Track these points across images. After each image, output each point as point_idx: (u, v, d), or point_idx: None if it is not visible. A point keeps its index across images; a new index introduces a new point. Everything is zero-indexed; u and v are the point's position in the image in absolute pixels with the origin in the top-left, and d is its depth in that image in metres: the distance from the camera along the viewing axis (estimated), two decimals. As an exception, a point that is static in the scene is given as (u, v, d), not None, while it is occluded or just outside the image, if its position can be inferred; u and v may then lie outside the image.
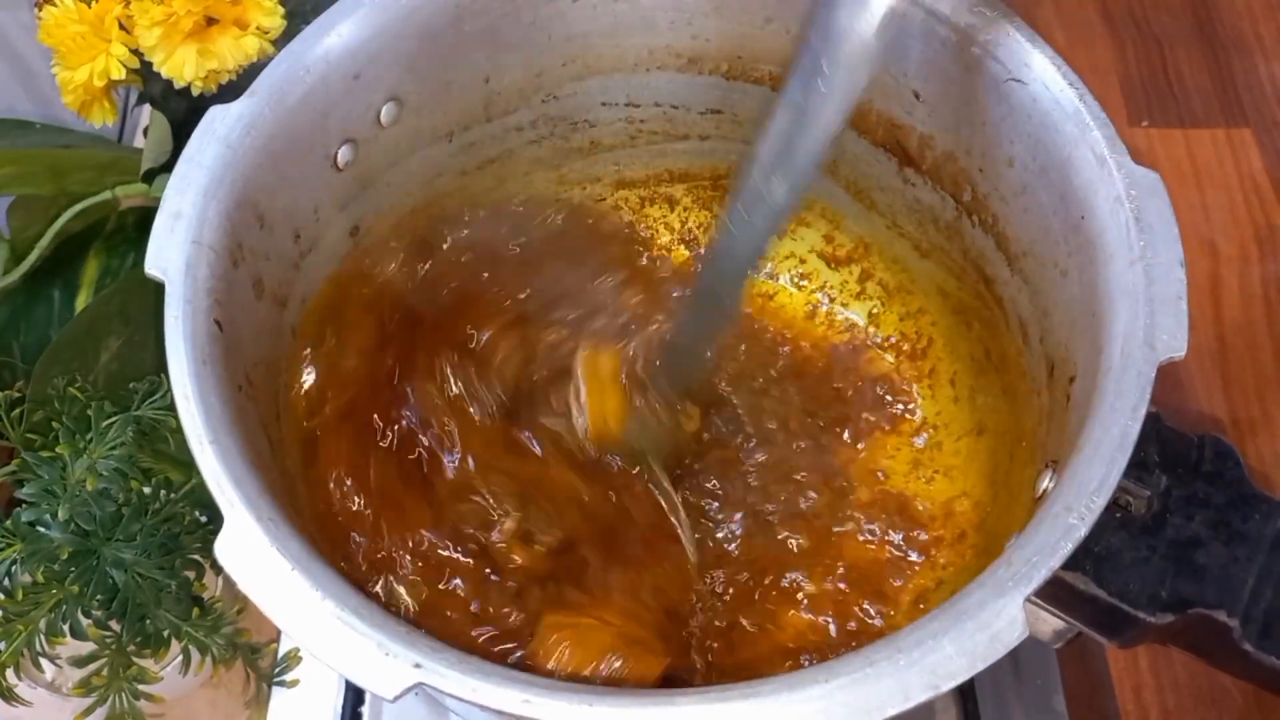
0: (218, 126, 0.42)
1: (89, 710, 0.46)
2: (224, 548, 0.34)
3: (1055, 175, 0.43)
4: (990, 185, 0.48)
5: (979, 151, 0.48)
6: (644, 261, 0.60)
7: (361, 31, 0.46)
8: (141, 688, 0.47)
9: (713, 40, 0.53)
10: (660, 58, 0.54)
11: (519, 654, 0.44)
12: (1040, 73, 0.43)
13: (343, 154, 0.48)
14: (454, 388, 0.50)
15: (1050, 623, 0.37)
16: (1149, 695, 0.57)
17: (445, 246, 0.54)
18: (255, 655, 0.50)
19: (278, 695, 0.56)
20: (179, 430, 0.37)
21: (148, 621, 0.47)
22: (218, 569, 0.52)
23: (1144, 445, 0.36)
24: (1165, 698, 0.57)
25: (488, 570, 0.47)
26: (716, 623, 0.50)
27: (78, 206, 0.58)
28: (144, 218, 0.61)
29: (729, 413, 0.55)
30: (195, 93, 0.52)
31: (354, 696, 0.56)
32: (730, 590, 0.51)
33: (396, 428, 0.49)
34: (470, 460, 0.49)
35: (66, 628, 0.46)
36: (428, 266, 0.53)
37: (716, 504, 0.53)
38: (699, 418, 0.53)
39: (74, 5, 0.51)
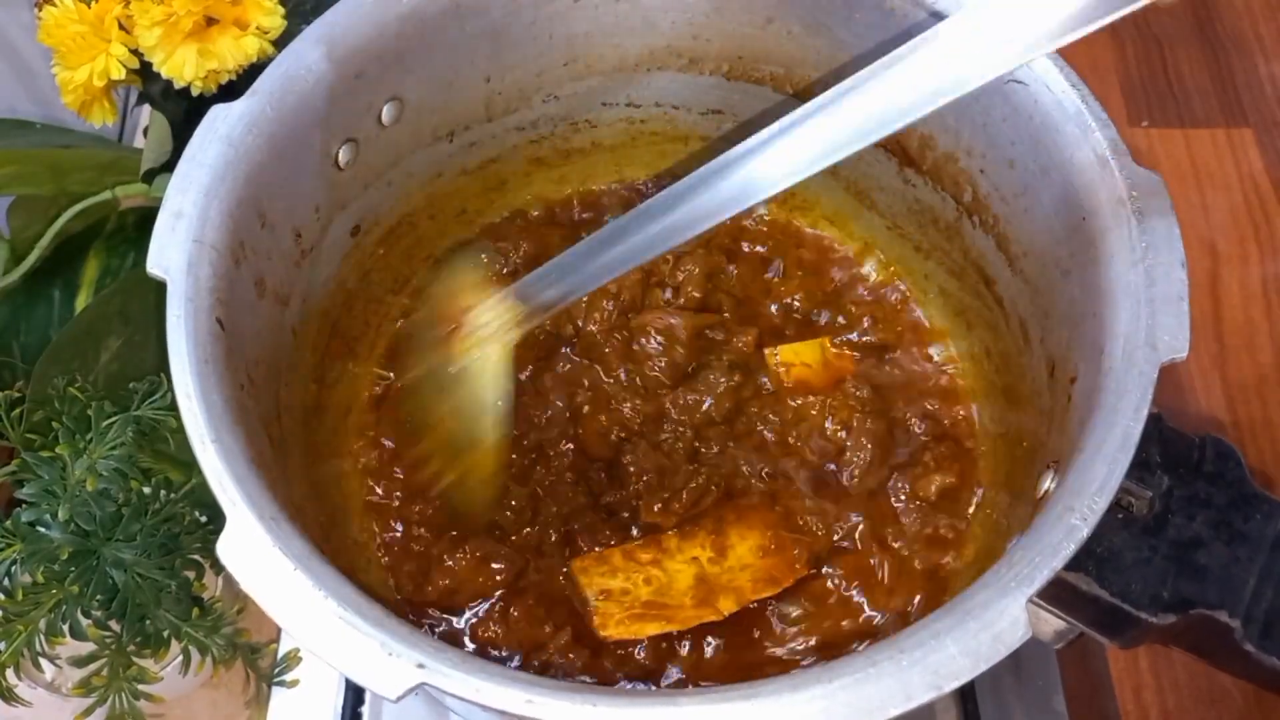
0: (220, 125, 0.42)
1: (89, 710, 0.46)
2: (226, 547, 0.34)
3: (1056, 176, 0.43)
4: (991, 186, 0.48)
5: (980, 152, 0.48)
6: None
7: (363, 31, 0.46)
8: (141, 688, 0.47)
9: (714, 41, 0.53)
10: (661, 58, 0.54)
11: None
12: (1042, 74, 0.43)
13: (344, 153, 0.48)
14: None
15: (1052, 623, 0.37)
16: (1149, 696, 0.57)
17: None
18: (255, 655, 0.50)
19: (278, 695, 0.56)
20: (179, 430, 0.37)
21: (148, 622, 0.47)
22: (218, 569, 0.52)
23: (1145, 446, 0.36)
24: (1165, 698, 0.57)
25: None
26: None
27: (78, 206, 0.58)
28: (144, 218, 0.61)
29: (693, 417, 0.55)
30: (195, 93, 0.52)
31: (354, 696, 0.56)
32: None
33: None
34: None
35: (66, 628, 0.46)
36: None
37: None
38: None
39: (74, 5, 0.51)
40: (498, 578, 0.49)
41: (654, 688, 0.47)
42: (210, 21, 0.51)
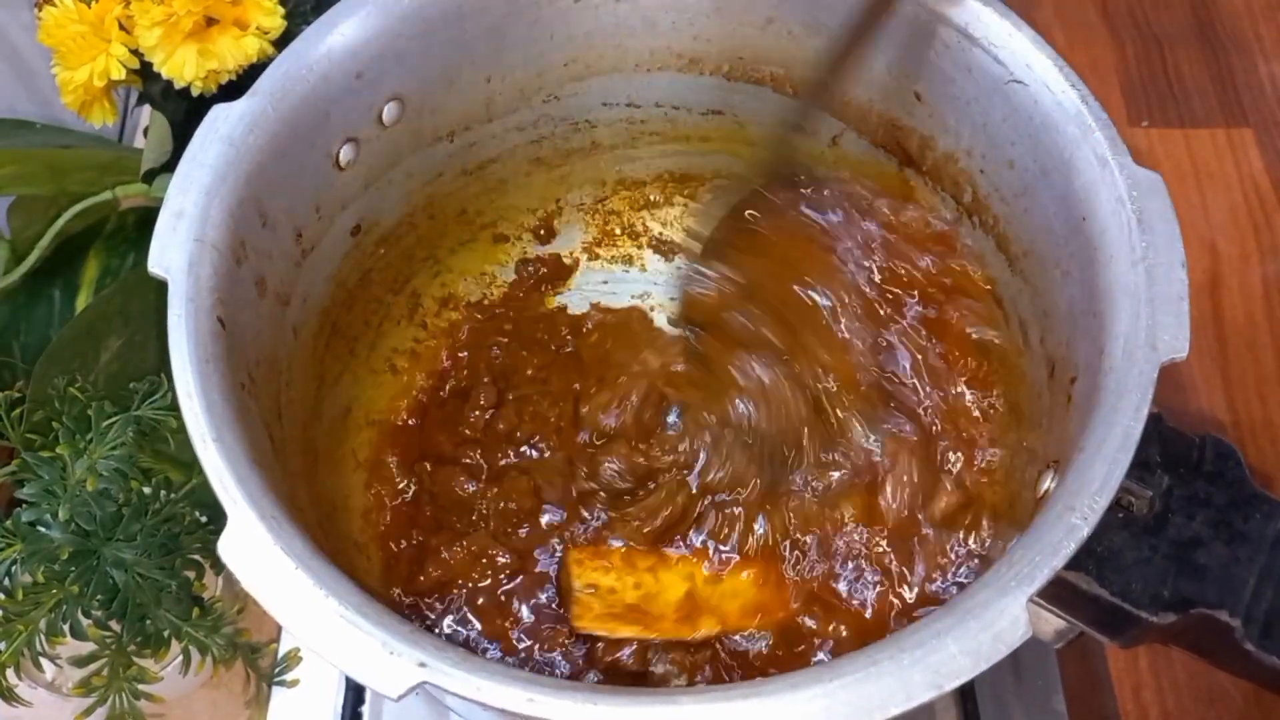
0: (220, 125, 0.42)
1: (89, 710, 0.46)
2: (227, 546, 0.34)
3: (1056, 176, 0.43)
4: (991, 186, 0.48)
5: (980, 153, 0.48)
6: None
7: (363, 31, 0.46)
8: (142, 688, 0.47)
9: (714, 41, 0.53)
10: (661, 58, 0.54)
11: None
12: (1042, 74, 0.43)
13: (345, 153, 0.48)
14: None
15: (1052, 622, 0.37)
16: (1149, 695, 0.57)
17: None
18: (255, 655, 0.50)
19: (278, 695, 0.56)
20: (179, 430, 0.37)
21: (148, 621, 0.47)
22: (218, 569, 0.52)
23: (1145, 445, 0.36)
24: (1165, 698, 0.57)
25: None
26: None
27: (78, 206, 0.58)
28: (144, 218, 0.61)
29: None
30: (195, 93, 0.52)
31: (354, 696, 0.56)
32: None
33: None
34: None
35: (67, 628, 0.46)
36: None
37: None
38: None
39: (74, 5, 0.51)
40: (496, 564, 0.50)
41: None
42: (210, 22, 0.51)
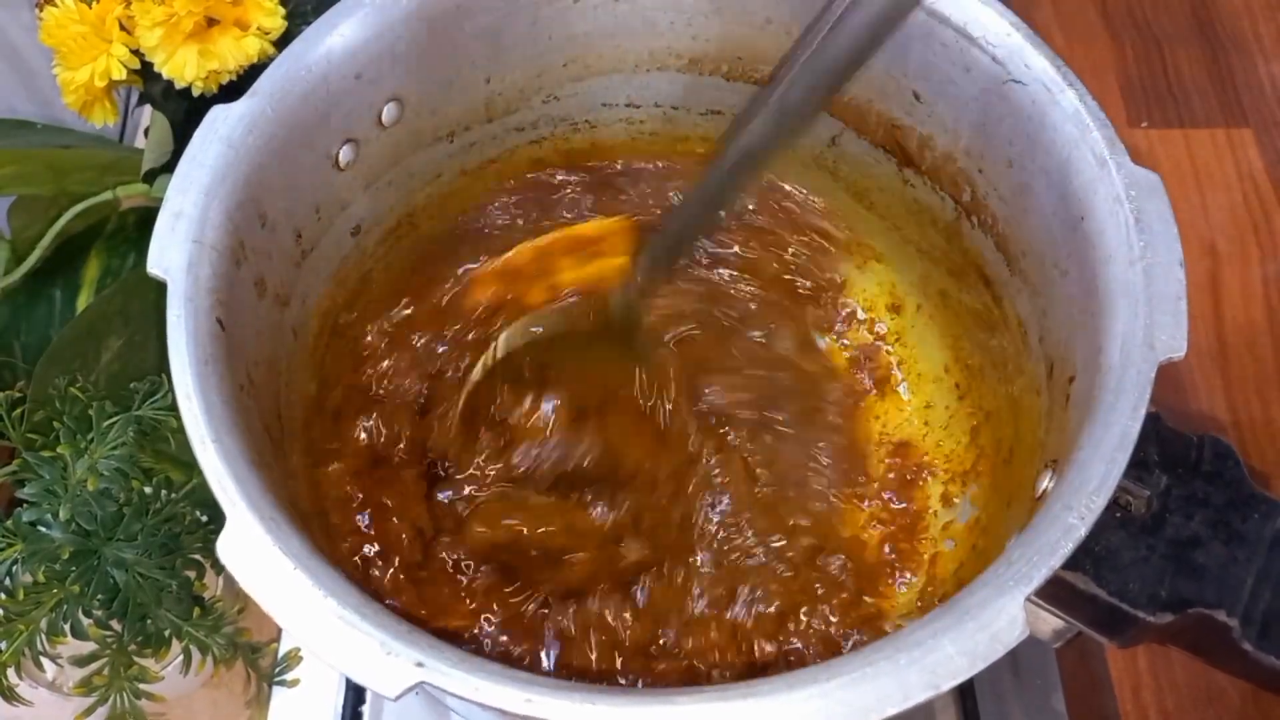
0: (220, 126, 0.42)
1: (90, 710, 0.46)
2: (226, 547, 0.34)
3: (1055, 176, 0.43)
4: (990, 186, 0.48)
5: (978, 152, 0.48)
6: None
7: (363, 31, 0.46)
8: (142, 687, 0.47)
9: (713, 41, 0.53)
10: (661, 59, 0.54)
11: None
12: (1040, 74, 0.43)
13: (344, 154, 0.48)
14: None
15: (1050, 622, 0.37)
16: (1148, 695, 0.57)
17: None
18: (256, 655, 0.50)
19: (278, 695, 0.56)
20: (180, 430, 0.37)
21: (148, 621, 0.47)
22: (218, 569, 0.52)
23: (1144, 445, 0.36)
24: (1164, 698, 0.57)
25: None
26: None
27: (78, 207, 0.58)
28: (145, 218, 0.61)
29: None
30: (196, 93, 0.52)
31: (354, 696, 0.56)
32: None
33: None
34: None
35: (67, 627, 0.46)
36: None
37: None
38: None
39: (75, 6, 0.51)
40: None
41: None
42: (211, 22, 0.51)
